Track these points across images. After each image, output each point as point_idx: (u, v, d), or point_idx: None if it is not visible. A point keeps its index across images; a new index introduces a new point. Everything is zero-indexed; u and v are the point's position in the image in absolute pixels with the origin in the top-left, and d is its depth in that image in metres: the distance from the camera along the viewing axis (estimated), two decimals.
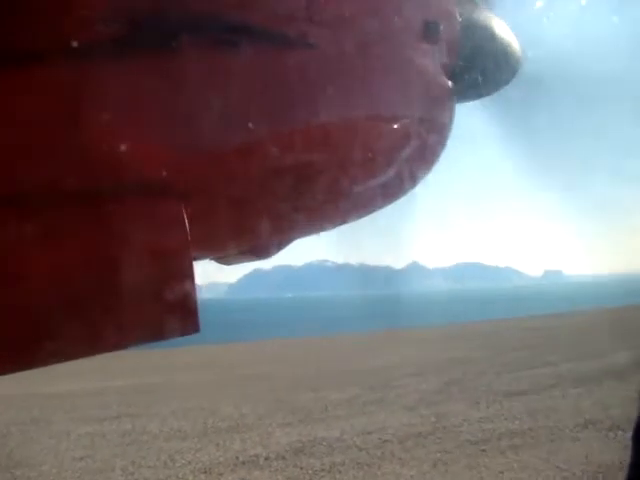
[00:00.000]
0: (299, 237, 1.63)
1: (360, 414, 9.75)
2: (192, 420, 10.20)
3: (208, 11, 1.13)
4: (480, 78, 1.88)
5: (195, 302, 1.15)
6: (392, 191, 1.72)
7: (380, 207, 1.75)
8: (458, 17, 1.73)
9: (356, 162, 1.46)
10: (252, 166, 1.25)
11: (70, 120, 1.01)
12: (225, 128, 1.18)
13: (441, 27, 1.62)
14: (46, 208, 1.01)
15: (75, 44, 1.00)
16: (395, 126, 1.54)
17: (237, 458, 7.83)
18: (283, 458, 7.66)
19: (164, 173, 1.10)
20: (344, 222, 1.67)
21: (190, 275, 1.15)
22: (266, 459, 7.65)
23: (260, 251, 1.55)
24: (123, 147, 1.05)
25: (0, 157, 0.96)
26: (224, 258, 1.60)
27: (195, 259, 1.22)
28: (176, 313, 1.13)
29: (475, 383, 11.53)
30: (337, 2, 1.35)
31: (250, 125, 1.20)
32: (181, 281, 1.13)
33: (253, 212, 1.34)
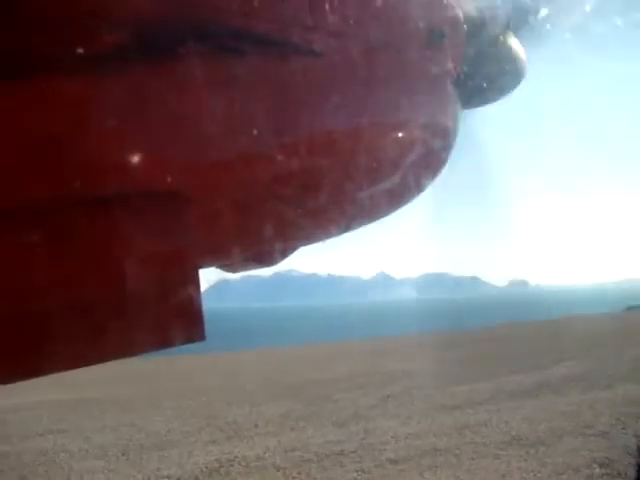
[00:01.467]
0: (303, 244, 1.63)
1: (289, 430, 9.40)
2: (117, 437, 9.79)
3: (213, 19, 1.12)
4: (485, 85, 1.90)
5: (200, 309, 1.15)
6: (397, 197, 1.71)
7: (385, 214, 1.75)
8: (463, 25, 1.72)
9: (361, 168, 1.45)
10: (257, 172, 1.24)
11: (76, 128, 1.01)
12: (230, 135, 1.17)
13: (446, 35, 1.62)
14: (53, 215, 1.00)
15: (81, 53, 0.99)
16: (400, 132, 1.55)
17: (149, 479, 7.43)
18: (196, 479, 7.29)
19: (169, 180, 1.10)
20: (349, 229, 1.67)
21: (195, 282, 1.15)
22: None
23: (265, 258, 1.55)
24: (129, 154, 1.05)
25: (9, 165, 0.95)
26: (229, 265, 1.60)
27: (201, 266, 1.22)
28: (181, 320, 1.12)
29: (413, 397, 11.23)
30: (342, 10, 1.33)
31: (255, 132, 1.19)
32: (186, 288, 1.13)
33: (258, 218, 1.34)
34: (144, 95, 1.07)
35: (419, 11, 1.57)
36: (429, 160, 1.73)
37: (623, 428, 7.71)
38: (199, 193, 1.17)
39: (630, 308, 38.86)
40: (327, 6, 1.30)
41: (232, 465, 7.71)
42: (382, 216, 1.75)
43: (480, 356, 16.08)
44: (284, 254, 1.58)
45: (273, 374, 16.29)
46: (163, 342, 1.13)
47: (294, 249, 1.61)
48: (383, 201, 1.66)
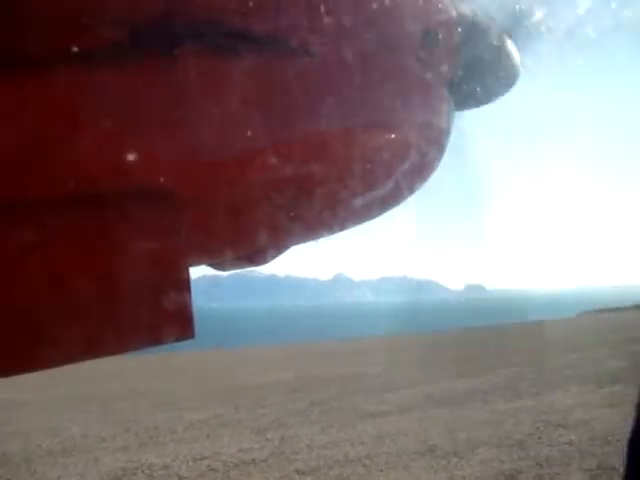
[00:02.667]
0: (295, 244, 1.62)
1: (205, 437, 9.05)
2: (26, 443, 9.29)
3: (210, 18, 1.11)
4: (479, 87, 1.90)
5: (190, 308, 1.15)
6: (389, 200, 1.70)
7: (376, 215, 1.74)
8: (457, 26, 1.72)
9: (355, 172, 1.45)
10: (251, 175, 1.24)
11: (70, 126, 1.00)
12: (224, 136, 1.17)
13: (440, 36, 1.62)
14: (45, 215, 1.00)
15: (75, 50, 0.98)
16: (394, 136, 1.53)
17: None
18: None
19: (162, 180, 1.10)
20: (341, 230, 1.66)
21: (186, 280, 1.15)
22: None
23: (256, 258, 1.54)
24: (122, 153, 1.04)
25: (1, 164, 0.95)
26: (220, 264, 1.60)
27: (191, 265, 1.24)
28: (172, 319, 1.12)
29: (342, 403, 10.98)
30: (338, 11, 1.32)
31: (249, 133, 1.18)
32: (177, 286, 1.13)
33: (251, 221, 1.33)
34: (139, 94, 1.06)
35: (414, 13, 1.57)
36: (421, 163, 1.72)
37: (539, 438, 7.57)
38: (191, 193, 1.16)
39: (583, 313, 39.50)
40: (323, 7, 1.28)
41: (135, 474, 7.33)
42: (373, 218, 1.75)
43: (421, 361, 15.91)
44: (275, 254, 1.58)
45: (212, 377, 15.96)
46: (153, 340, 1.13)
47: (285, 249, 1.60)
48: (375, 203, 1.65)
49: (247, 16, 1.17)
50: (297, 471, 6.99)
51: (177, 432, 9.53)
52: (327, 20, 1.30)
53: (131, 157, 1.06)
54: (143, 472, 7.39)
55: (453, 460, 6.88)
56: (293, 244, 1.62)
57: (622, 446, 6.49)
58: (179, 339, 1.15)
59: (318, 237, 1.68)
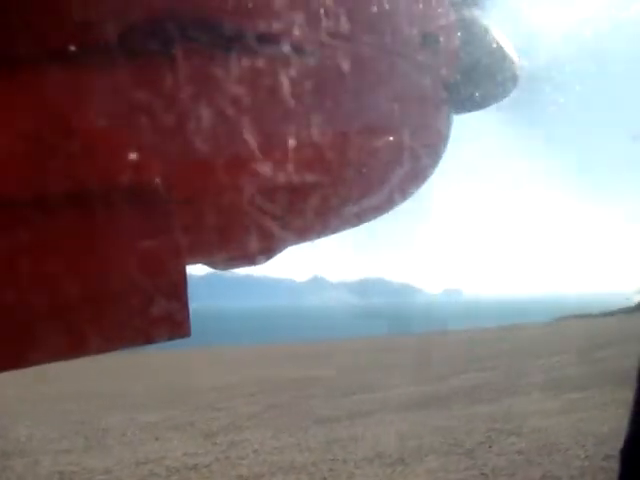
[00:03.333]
0: (289, 246, 1.60)
1: (153, 440, 8.79)
2: None
3: (202, 19, 1.10)
4: (478, 90, 1.88)
5: (187, 305, 1.15)
6: (382, 204, 1.69)
7: (369, 220, 1.73)
8: (457, 29, 1.71)
9: (349, 178, 1.43)
10: (242, 178, 1.23)
11: (60, 126, 0.99)
12: (216, 138, 1.16)
13: (440, 40, 1.61)
14: (35, 212, 0.99)
15: (67, 49, 0.97)
16: (390, 140, 1.51)
17: None
18: None
19: (156, 180, 1.09)
20: (332, 234, 1.65)
21: (182, 278, 1.16)
22: None
23: (249, 259, 1.53)
24: (113, 153, 1.04)
25: None
26: (214, 263, 1.60)
27: (187, 264, 1.23)
28: (168, 316, 1.13)
29: (299, 407, 10.78)
30: (334, 14, 1.29)
31: (241, 136, 1.17)
32: (173, 285, 1.14)
33: (241, 223, 1.33)
34: (131, 94, 1.04)
35: (412, 16, 1.55)
36: (417, 169, 1.71)
37: (490, 446, 7.43)
38: (183, 194, 1.16)
39: (559, 319, 39.71)
40: (319, 9, 1.26)
41: (72, 479, 7.08)
42: (365, 222, 1.74)
43: (385, 364, 15.79)
44: (269, 256, 1.55)
45: (172, 378, 15.65)
46: (148, 338, 1.12)
47: (281, 250, 1.58)
48: (369, 209, 1.64)
49: (241, 18, 1.16)
50: (239, 477, 6.78)
51: (126, 435, 9.27)
52: (323, 22, 1.29)
53: (123, 157, 1.05)
54: (82, 476, 7.14)
55: (399, 468, 6.71)
56: (287, 246, 1.61)
57: (571, 454, 6.38)
58: (174, 337, 1.16)
59: (310, 240, 1.68)
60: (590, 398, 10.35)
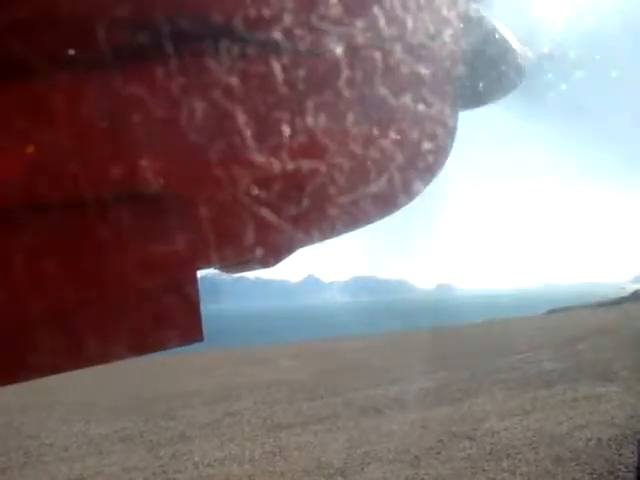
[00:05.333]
0: (298, 248, 1.58)
1: (96, 455, 8.48)
2: None
3: (196, 17, 1.10)
4: (483, 86, 1.87)
5: (199, 310, 1.15)
6: (386, 203, 1.68)
7: (374, 219, 1.71)
8: (463, 24, 1.68)
9: (347, 171, 1.41)
10: (240, 171, 1.21)
11: (63, 129, 0.99)
12: (213, 135, 1.15)
13: (445, 34, 1.60)
14: (40, 217, 0.99)
15: (62, 51, 0.97)
16: (393, 136, 1.49)
17: None
18: None
19: (161, 181, 1.09)
20: (336, 234, 1.63)
21: (194, 283, 1.16)
22: None
23: (259, 262, 1.49)
24: (116, 155, 1.03)
25: None
26: (225, 267, 1.57)
27: (199, 268, 1.24)
28: (180, 322, 1.12)
29: (256, 414, 10.46)
30: (330, 8, 1.27)
31: (238, 132, 1.16)
32: (185, 289, 1.13)
33: (240, 221, 1.30)
34: (130, 95, 1.02)
35: (415, 10, 1.50)
36: (423, 164, 1.67)
37: (438, 453, 7.13)
38: (182, 193, 1.15)
39: (551, 311, 39.70)
40: (320, 4, 1.24)
41: None
42: (370, 222, 1.72)
43: (355, 366, 15.51)
44: (278, 258, 1.51)
45: (139, 386, 15.27)
46: (161, 344, 1.13)
47: (291, 252, 1.54)
48: (370, 206, 1.60)
49: (233, 14, 1.13)
50: None
51: (70, 449, 8.95)
52: (318, 17, 1.26)
53: (125, 160, 1.03)
54: None
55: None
56: (297, 249, 1.58)
57: (520, 459, 6.05)
58: (187, 342, 1.15)
59: (318, 241, 1.64)
60: (556, 395, 10.08)
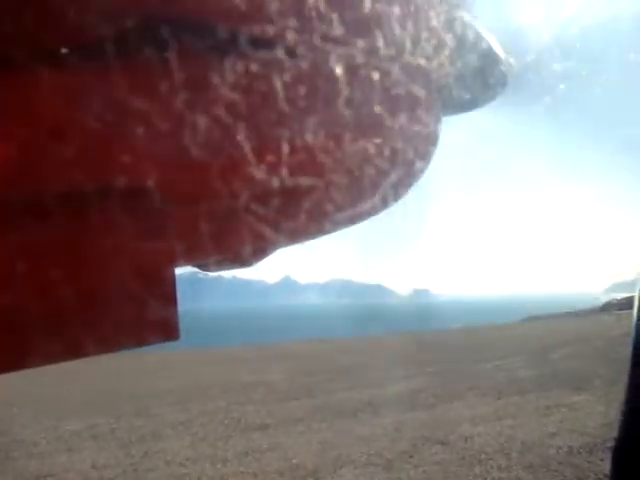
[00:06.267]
0: (279, 248, 1.57)
1: (66, 451, 8.36)
2: None
3: (196, 21, 1.08)
4: (468, 92, 1.89)
5: (176, 309, 1.16)
6: (374, 207, 1.65)
7: (360, 222, 1.70)
8: (449, 32, 1.67)
9: (342, 182, 1.40)
10: (236, 181, 1.20)
11: (53, 127, 0.97)
12: (210, 141, 1.12)
13: (431, 42, 1.59)
14: (27, 218, 0.98)
15: (60, 50, 0.96)
16: (383, 145, 1.48)
17: None
18: None
19: (150, 184, 1.09)
20: (325, 235, 1.63)
21: (172, 281, 1.15)
22: None
23: (239, 261, 1.49)
24: (106, 157, 1.03)
25: None
26: (204, 265, 1.57)
27: (177, 266, 1.25)
28: (157, 320, 1.13)
29: (230, 414, 10.39)
30: (327, 18, 1.24)
31: (234, 140, 1.15)
32: (163, 287, 1.14)
33: (234, 227, 1.30)
34: (125, 95, 1.01)
35: (404, 19, 1.48)
36: (410, 171, 1.68)
37: (411, 457, 7.14)
38: (175, 197, 1.14)
39: (528, 319, 40.00)
40: (314, 12, 1.21)
41: None
42: (355, 224, 1.69)
43: (330, 369, 15.51)
44: (259, 258, 1.51)
45: (112, 383, 15.13)
46: (138, 341, 1.11)
47: (272, 252, 1.54)
48: (361, 212, 1.60)
49: (234, 19, 1.12)
50: None
51: (40, 445, 8.82)
52: (316, 27, 1.24)
53: (115, 159, 1.03)
54: None
55: None
56: (277, 248, 1.58)
57: (492, 464, 6.08)
58: (164, 340, 1.15)
59: (302, 242, 1.66)
60: (529, 402, 10.17)
